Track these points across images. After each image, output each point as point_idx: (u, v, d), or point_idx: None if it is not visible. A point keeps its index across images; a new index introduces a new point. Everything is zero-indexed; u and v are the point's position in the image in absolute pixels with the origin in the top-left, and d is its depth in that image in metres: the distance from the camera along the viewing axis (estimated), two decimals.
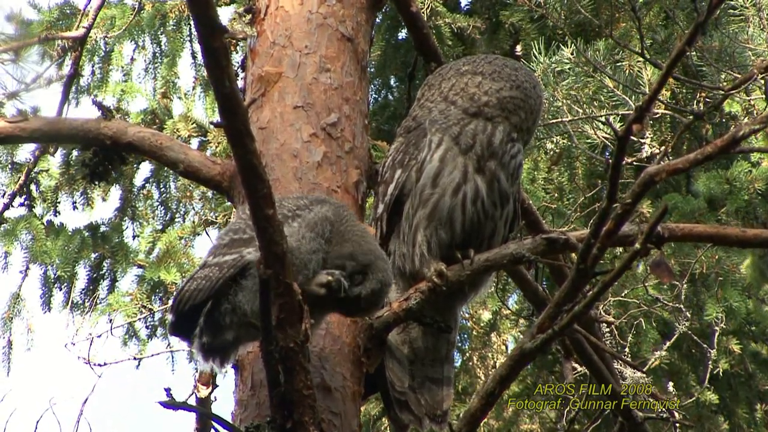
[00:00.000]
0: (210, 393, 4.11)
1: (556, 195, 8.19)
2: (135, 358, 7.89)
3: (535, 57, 7.24)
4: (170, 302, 4.17)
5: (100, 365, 6.73)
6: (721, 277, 7.60)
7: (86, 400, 5.22)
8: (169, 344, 8.44)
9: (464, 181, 4.54)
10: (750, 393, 8.34)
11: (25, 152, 8.22)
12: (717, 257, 7.67)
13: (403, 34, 9.00)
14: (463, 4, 9.05)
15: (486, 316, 9.12)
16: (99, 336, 6.97)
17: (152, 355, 7.95)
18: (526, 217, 5.01)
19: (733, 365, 8.11)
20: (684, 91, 7.78)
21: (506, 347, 9.22)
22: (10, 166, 8.35)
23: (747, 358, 8.23)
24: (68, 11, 8.53)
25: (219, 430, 4.08)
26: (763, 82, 5.43)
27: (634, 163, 6.99)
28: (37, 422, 5.26)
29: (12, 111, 4.69)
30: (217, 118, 3.97)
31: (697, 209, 7.67)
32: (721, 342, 7.81)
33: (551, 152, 8.09)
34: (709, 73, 6.76)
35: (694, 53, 6.57)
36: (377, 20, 8.22)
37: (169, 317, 4.15)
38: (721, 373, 7.91)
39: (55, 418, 5.31)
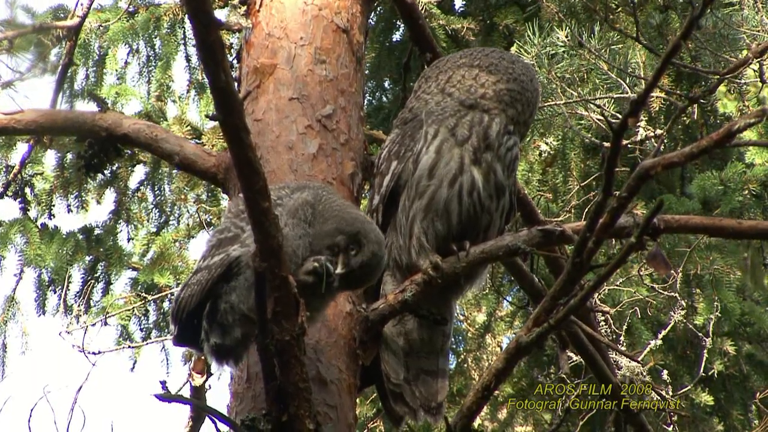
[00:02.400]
0: (205, 381, 4.10)
1: (550, 196, 8.20)
2: (130, 347, 7.88)
3: (529, 38, 7.24)
4: (170, 313, 4.17)
5: (94, 353, 6.71)
6: (717, 270, 7.59)
7: (80, 388, 5.22)
8: (164, 346, 8.43)
9: (460, 172, 4.54)
10: (745, 394, 8.33)
11: (18, 154, 8.22)
12: (711, 258, 7.67)
13: (397, 36, 9.02)
14: (457, 6, 9.07)
15: (480, 317, 9.12)
16: (93, 325, 6.96)
17: (147, 344, 7.93)
18: (522, 208, 5.02)
19: (728, 366, 8.11)
20: (679, 91, 7.79)
21: (501, 349, 9.21)
22: (4, 169, 8.35)
23: (742, 360, 8.22)
24: (62, 15, 8.52)
25: (215, 423, 4.08)
26: (758, 66, 5.45)
27: (629, 146, 6.98)
28: (32, 410, 5.25)
29: (7, 101, 4.69)
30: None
31: (691, 210, 7.67)
32: (716, 343, 7.81)
33: (546, 153, 8.09)
34: (703, 56, 6.77)
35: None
36: (371, 22, 8.23)
37: (172, 328, 4.15)
38: (715, 375, 7.90)
39: (49, 406, 5.31)
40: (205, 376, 4.10)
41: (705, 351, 7.21)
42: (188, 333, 4.12)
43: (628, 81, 6.77)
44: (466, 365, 9.13)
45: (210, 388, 4.12)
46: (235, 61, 5.12)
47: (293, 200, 4.08)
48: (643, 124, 6.93)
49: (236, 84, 4.36)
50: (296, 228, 4.02)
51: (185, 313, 4.08)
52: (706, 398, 7.91)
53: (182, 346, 4.25)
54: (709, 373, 7.71)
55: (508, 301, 8.78)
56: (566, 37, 7.00)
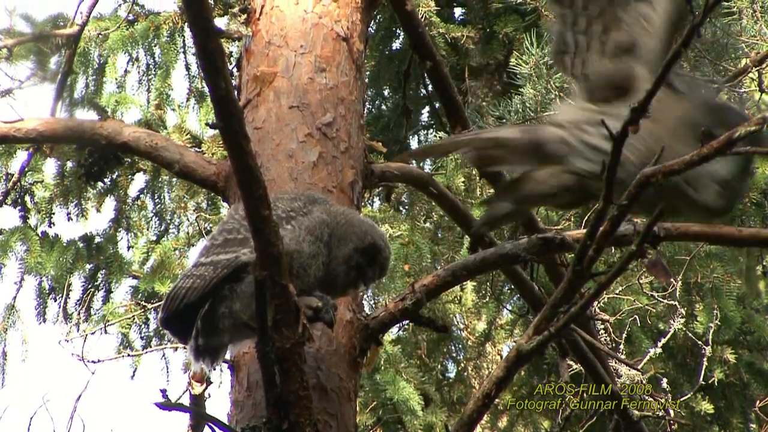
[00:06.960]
0: (204, 390, 4.08)
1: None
2: (129, 356, 7.88)
3: (527, 49, 7.24)
4: (165, 296, 4.13)
5: (94, 362, 6.71)
6: (717, 278, 7.59)
7: (80, 396, 5.20)
8: (164, 354, 8.43)
9: None
10: (745, 402, 8.34)
11: (18, 162, 8.23)
12: (711, 266, 7.67)
13: (397, 44, 9.04)
14: (457, 15, 9.10)
15: (480, 326, 9.11)
16: (93, 333, 6.97)
17: (146, 352, 7.94)
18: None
19: (728, 375, 8.11)
20: None
21: (501, 357, 9.20)
22: (4, 177, 8.36)
23: (742, 368, 8.22)
24: (61, 23, 8.52)
25: (215, 431, 4.07)
26: (756, 74, 5.45)
27: None
28: (31, 418, 5.24)
29: (6, 109, 4.69)
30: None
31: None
32: (716, 351, 7.80)
33: None
34: (702, 65, 6.78)
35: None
36: (371, 30, 8.24)
37: (161, 313, 4.13)
38: (716, 383, 7.91)
39: (48, 415, 5.30)
40: (204, 385, 4.08)
41: (705, 359, 7.20)
42: (178, 321, 4.09)
43: None
44: (466, 373, 9.13)
45: (209, 396, 4.10)
46: (234, 70, 5.11)
47: (312, 217, 4.09)
48: None
49: (236, 92, 4.35)
50: (312, 246, 4.03)
51: (182, 303, 4.04)
52: (706, 406, 7.91)
53: (168, 330, 4.20)
54: (710, 381, 7.71)
55: (508, 309, 8.77)
56: None
